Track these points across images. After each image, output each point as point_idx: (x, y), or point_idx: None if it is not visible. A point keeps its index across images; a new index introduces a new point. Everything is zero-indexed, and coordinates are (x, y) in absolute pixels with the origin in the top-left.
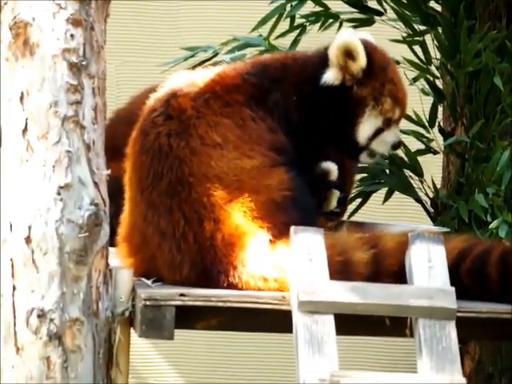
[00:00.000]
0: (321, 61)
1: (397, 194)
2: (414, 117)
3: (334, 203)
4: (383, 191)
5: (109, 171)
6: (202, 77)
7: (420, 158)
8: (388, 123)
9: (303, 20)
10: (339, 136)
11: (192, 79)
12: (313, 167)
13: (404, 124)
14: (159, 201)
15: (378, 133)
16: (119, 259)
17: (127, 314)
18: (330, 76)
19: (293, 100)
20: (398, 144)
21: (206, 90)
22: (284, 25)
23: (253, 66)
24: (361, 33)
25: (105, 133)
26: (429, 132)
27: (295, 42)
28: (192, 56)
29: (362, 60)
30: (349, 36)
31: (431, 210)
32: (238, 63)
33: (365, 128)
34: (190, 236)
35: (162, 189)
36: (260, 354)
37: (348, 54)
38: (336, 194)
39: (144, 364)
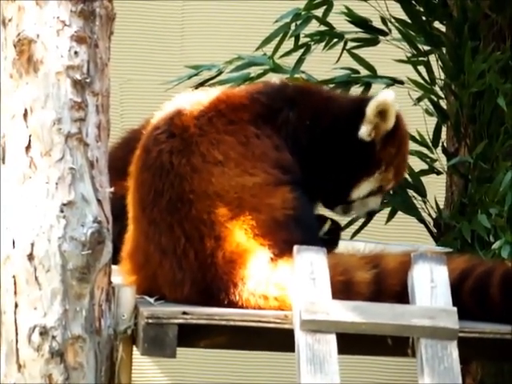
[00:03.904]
0: (352, 109)
1: (400, 214)
2: (417, 137)
3: (325, 228)
4: (386, 211)
5: (112, 189)
6: (207, 96)
7: (423, 179)
8: (379, 190)
9: (308, 39)
10: (337, 181)
11: (197, 98)
12: (317, 187)
13: None
14: (160, 218)
15: (368, 195)
16: (122, 276)
17: (129, 331)
18: (365, 131)
19: (305, 124)
20: (374, 212)
21: (211, 108)
22: (288, 44)
23: (266, 86)
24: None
25: (119, 151)
26: (432, 152)
27: (300, 61)
28: (196, 74)
29: (390, 122)
30: (388, 97)
31: (434, 230)
32: (250, 85)
33: (364, 187)
34: (191, 253)
35: (163, 206)
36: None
37: (381, 113)
38: (328, 222)
39: (146, 382)
